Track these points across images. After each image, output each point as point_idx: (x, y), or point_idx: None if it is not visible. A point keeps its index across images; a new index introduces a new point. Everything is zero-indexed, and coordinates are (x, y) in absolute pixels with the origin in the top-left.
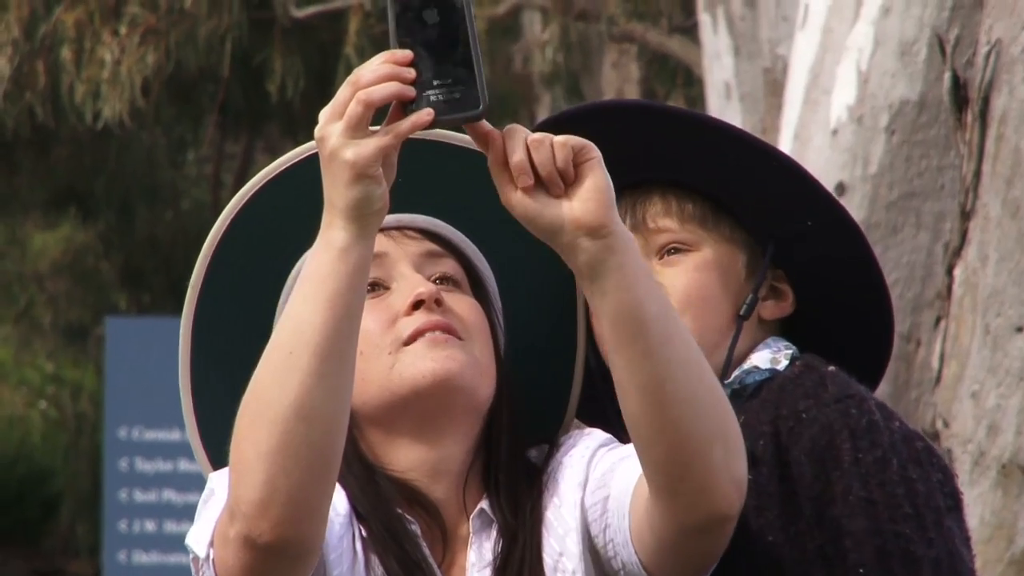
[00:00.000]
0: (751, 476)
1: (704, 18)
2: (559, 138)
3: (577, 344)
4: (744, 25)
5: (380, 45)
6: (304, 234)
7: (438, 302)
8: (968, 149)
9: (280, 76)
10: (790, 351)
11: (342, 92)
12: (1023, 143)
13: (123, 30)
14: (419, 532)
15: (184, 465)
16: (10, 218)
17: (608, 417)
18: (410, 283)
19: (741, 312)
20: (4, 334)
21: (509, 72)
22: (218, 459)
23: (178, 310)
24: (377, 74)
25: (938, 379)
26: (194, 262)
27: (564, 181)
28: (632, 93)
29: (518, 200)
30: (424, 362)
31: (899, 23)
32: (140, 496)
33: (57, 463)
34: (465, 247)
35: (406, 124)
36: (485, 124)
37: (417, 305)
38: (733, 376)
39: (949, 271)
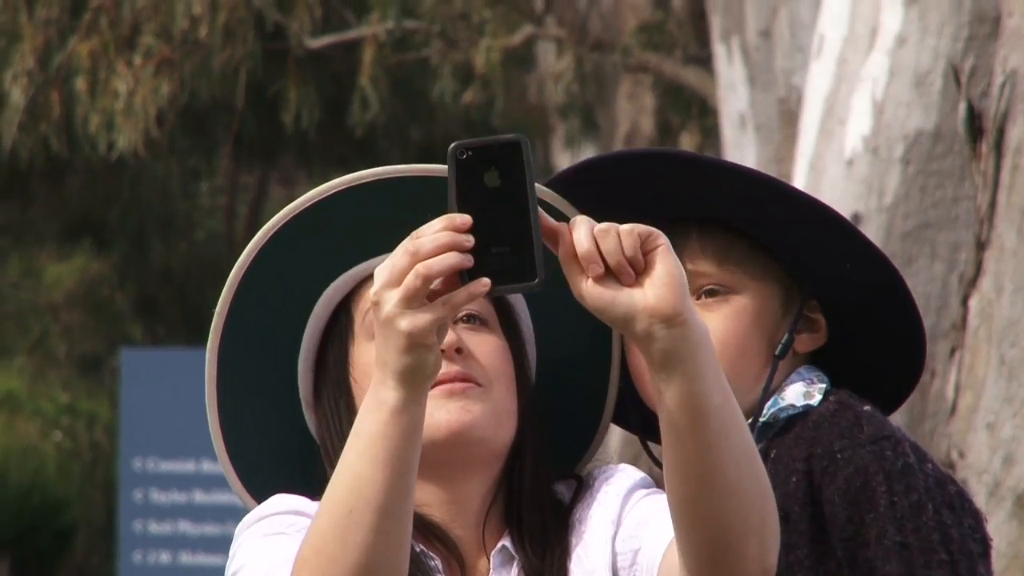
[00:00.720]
0: (782, 514)
1: (719, 49)
2: (625, 227)
3: (611, 360)
4: (759, 55)
5: (394, 75)
6: (332, 263)
7: (459, 350)
8: (983, 179)
9: (295, 107)
10: (823, 385)
11: (401, 259)
12: None
13: (137, 61)
14: (439, 567)
15: (199, 496)
16: (24, 249)
17: (628, 419)
18: None
19: (777, 352)
20: (19, 365)
21: (523, 102)
22: (248, 480)
23: (193, 341)
24: (437, 244)
25: (953, 410)
26: (209, 293)
27: (634, 269)
28: (647, 124)
29: (590, 291)
30: (440, 413)
31: (914, 53)
32: (155, 527)
33: (72, 494)
34: None
35: (462, 295)
36: (551, 220)
37: None
38: (766, 410)
39: (964, 301)
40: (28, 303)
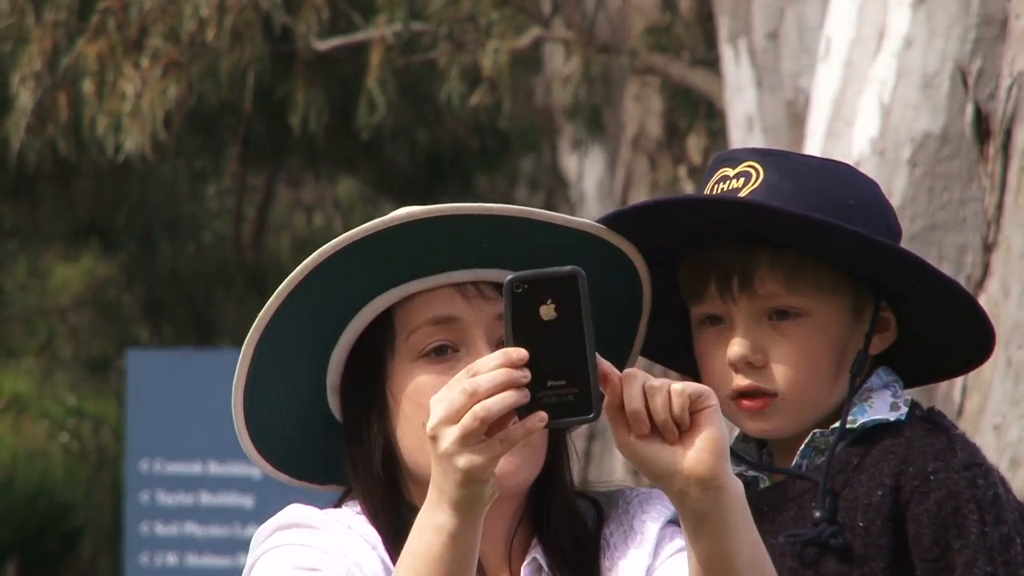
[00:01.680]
0: (862, 524)
1: (726, 51)
2: (677, 385)
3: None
4: (766, 58)
5: (401, 78)
6: (381, 279)
7: None
8: (990, 182)
9: (302, 109)
10: (908, 396)
11: (458, 398)
12: None
13: (145, 63)
14: None
15: (206, 498)
16: (32, 251)
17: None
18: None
19: (853, 370)
20: (26, 367)
21: (531, 105)
22: (265, 448)
23: (199, 343)
24: (494, 383)
25: (960, 411)
26: (216, 295)
27: (678, 427)
28: (654, 126)
29: (631, 444)
30: None
31: (921, 56)
32: (161, 529)
33: (78, 496)
34: None
35: (519, 432)
36: (605, 363)
37: None
38: (852, 416)
39: None
40: (35, 305)
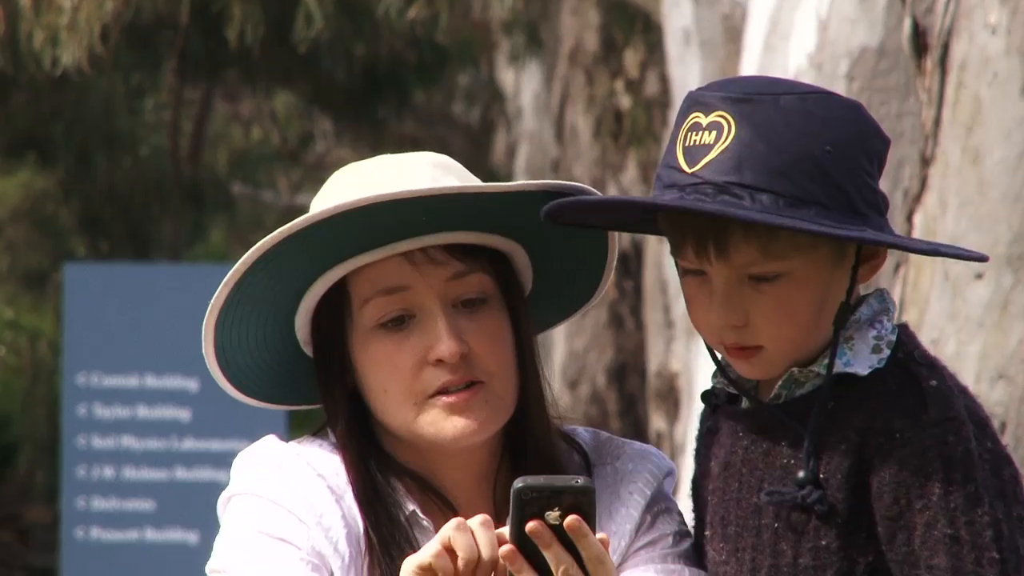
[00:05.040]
0: (823, 476)
1: None
2: None
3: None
4: None
5: None
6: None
7: (463, 356)
8: (928, 96)
9: (239, 22)
10: (893, 336)
11: None
12: (983, 90)
13: None
14: (431, 528)
15: (142, 411)
16: None
17: None
18: (435, 327)
19: (835, 324)
20: None
21: (468, 19)
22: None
23: (137, 256)
24: None
25: None
26: (152, 208)
27: None
28: (591, 40)
29: None
30: (446, 424)
31: None
32: (98, 442)
33: (15, 409)
34: (497, 243)
35: None
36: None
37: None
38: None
39: (909, 218)
40: None
